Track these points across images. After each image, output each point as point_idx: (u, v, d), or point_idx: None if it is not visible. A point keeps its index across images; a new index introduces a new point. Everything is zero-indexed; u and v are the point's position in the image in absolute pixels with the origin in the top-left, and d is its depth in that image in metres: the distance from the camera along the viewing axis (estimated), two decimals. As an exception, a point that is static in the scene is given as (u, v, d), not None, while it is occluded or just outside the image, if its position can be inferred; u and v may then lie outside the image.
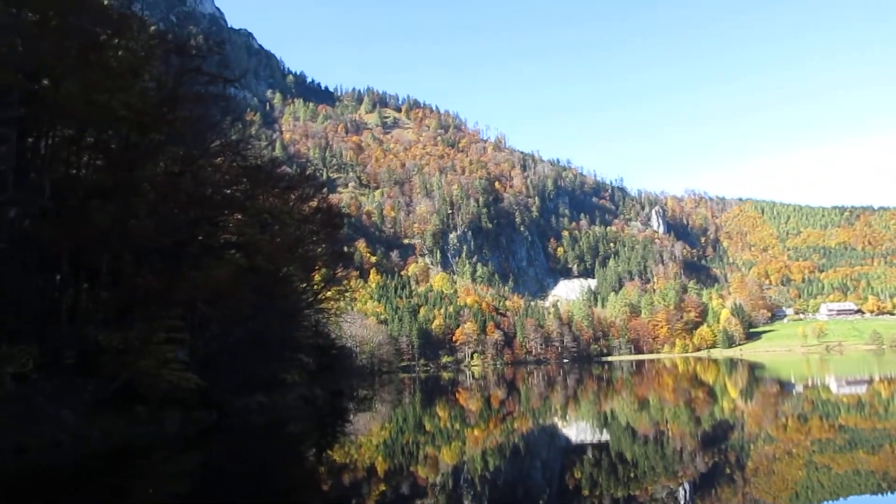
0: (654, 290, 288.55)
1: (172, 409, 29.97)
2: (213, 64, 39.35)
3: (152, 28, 40.63)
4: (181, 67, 35.23)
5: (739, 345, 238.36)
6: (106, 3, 35.53)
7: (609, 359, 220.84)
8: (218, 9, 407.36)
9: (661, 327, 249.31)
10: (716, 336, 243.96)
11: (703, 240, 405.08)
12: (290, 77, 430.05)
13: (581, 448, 23.19)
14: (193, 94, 35.04)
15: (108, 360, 28.12)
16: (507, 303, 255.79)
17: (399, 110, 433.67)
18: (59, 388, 25.63)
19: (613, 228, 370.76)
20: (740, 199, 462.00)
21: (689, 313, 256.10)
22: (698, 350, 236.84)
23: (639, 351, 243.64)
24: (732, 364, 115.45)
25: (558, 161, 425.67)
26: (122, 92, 31.15)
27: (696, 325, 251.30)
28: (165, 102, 32.75)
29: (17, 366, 24.51)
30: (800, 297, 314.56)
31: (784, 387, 52.20)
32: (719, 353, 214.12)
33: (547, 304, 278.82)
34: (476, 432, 29.75)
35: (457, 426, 33.16)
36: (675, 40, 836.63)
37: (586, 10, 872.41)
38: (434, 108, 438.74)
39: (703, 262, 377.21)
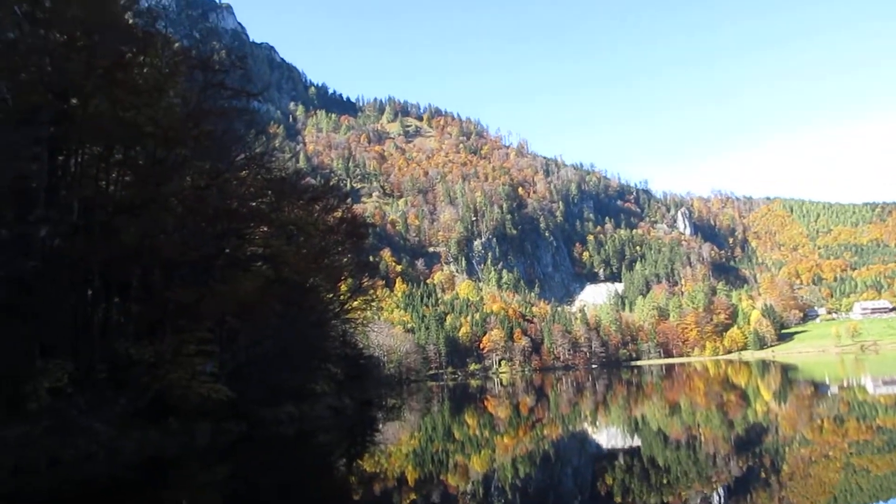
0: (683, 293, 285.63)
1: (203, 420, 30.22)
2: (237, 78, 39.79)
3: (176, 45, 41.18)
4: (205, 83, 35.69)
5: (771, 346, 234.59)
6: (131, 22, 36.16)
7: (638, 363, 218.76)
8: (240, 24, 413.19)
9: (691, 330, 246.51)
10: (747, 338, 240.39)
11: (730, 240, 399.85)
12: (312, 89, 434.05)
13: (612, 454, 22.92)
14: (218, 109, 35.46)
15: (139, 373, 28.49)
16: (534, 309, 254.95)
17: (421, 119, 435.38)
18: (93, 401, 25.98)
19: (639, 231, 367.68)
20: (768, 198, 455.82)
21: (719, 315, 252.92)
22: (729, 353, 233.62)
23: (668, 354, 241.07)
24: (764, 366, 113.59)
25: (581, 165, 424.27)
26: (148, 108, 31.63)
27: (727, 328, 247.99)
28: (190, 118, 33.18)
29: (52, 380, 24.91)
30: (832, 296, 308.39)
31: (818, 388, 51.18)
32: (751, 356, 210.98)
33: (574, 309, 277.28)
34: (506, 440, 29.56)
35: (486, 434, 32.99)
36: (695, 44, 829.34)
37: (606, 14, 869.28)
38: (456, 116, 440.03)
39: (732, 262, 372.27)
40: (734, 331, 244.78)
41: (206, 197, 33.98)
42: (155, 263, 31.85)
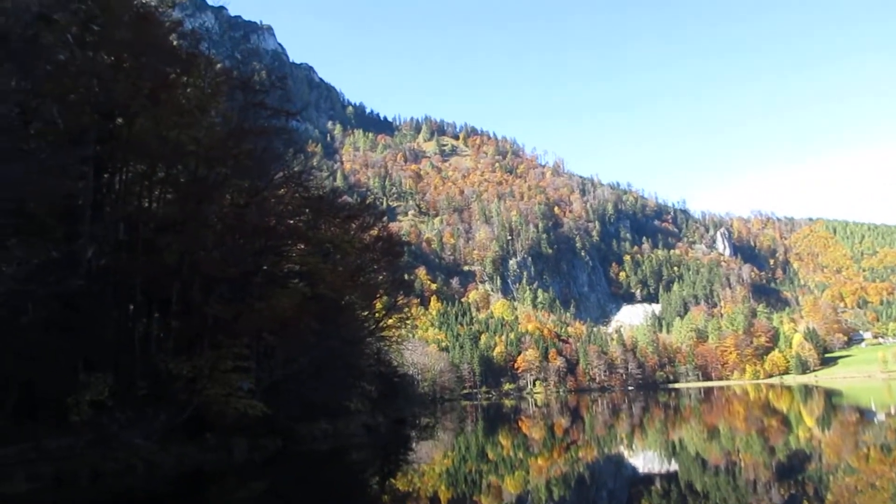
0: (722, 315, 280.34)
1: (240, 436, 30.48)
2: (276, 98, 40.50)
3: (218, 66, 42.15)
4: (246, 102, 36.40)
5: (814, 371, 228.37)
6: (175, 43, 37.13)
7: (676, 386, 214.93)
8: (280, 45, 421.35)
9: (730, 353, 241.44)
10: (788, 362, 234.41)
11: (771, 262, 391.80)
12: (350, 108, 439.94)
13: (648, 478, 22.48)
14: (257, 128, 36.10)
15: (178, 388, 28.90)
16: (569, 329, 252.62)
17: (457, 138, 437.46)
18: (133, 416, 26.40)
19: (677, 252, 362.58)
20: (810, 219, 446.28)
21: (760, 338, 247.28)
22: (770, 377, 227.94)
23: (707, 378, 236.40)
24: (807, 391, 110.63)
25: (618, 184, 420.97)
26: (190, 128, 32.41)
27: (767, 351, 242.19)
28: (231, 136, 33.83)
29: (94, 393, 25.43)
30: (878, 320, 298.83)
31: (864, 415, 49.64)
32: (793, 380, 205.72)
33: (610, 329, 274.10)
34: (540, 461, 29.22)
35: (520, 455, 32.66)
36: (732, 62, 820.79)
37: (643, 32, 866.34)
38: (491, 135, 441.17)
39: (773, 284, 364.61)
40: (775, 354, 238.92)
41: (245, 214, 34.52)
42: (194, 279, 32.38)
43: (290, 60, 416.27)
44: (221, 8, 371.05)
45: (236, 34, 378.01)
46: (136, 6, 32.52)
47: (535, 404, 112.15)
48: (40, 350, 23.07)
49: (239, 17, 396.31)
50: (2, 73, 22.55)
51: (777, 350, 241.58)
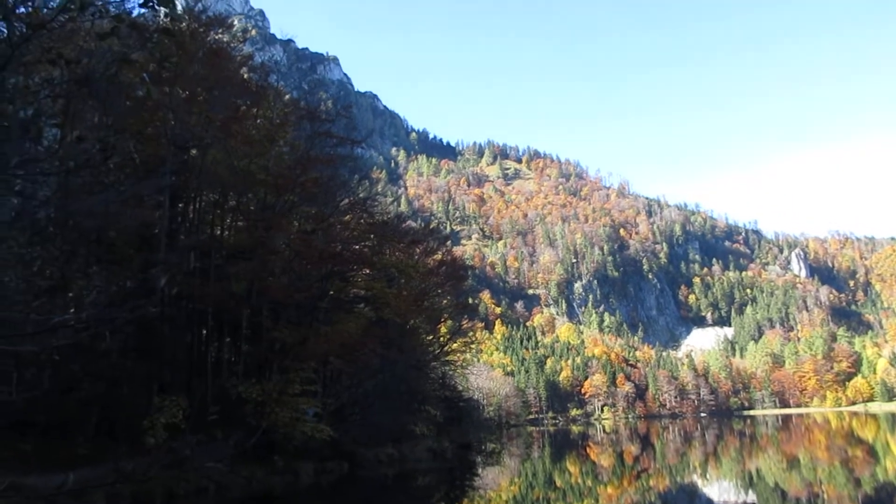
0: (799, 339, 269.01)
1: (306, 460, 30.82)
2: (342, 127, 41.43)
3: (286, 97, 43.47)
4: (313, 132, 37.36)
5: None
6: (246, 76, 38.50)
7: (751, 413, 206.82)
8: (345, 74, 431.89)
9: (809, 379, 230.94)
10: (873, 388, 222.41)
11: (851, 283, 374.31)
12: (414, 134, 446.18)
13: (725, 509, 21.62)
14: (324, 156, 36.95)
15: (248, 412, 29.49)
16: (638, 353, 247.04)
17: (520, 161, 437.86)
18: (204, 438, 27.04)
19: (749, 273, 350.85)
20: (893, 238, 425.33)
21: (841, 363, 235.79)
22: (853, 404, 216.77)
23: (784, 404, 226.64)
24: (894, 420, 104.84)
25: (686, 205, 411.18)
26: (260, 157, 33.46)
27: (850, 377, 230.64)
28: (298, 165, 34.72)
29: (168, 416, 26.19)
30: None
31: (959, 445, 46.64)
32: (878, 408, 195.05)
33: (680, 354, 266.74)
34: (609, 489, 28.49)
35: (589, 482, 31.93)
36: (794, 87, 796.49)
37: (708, 56, 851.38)
38: (554, 158, 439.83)
39: (853, 307, 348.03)
40: (858, 380, 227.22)
41: (311, 241, 35.21)
42: (263, 305, 33.14)
43: (355, 89, 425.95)
44: (289, 41, 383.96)
45: (304, 65, 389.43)
46: (208, 42, 33.89)
47: (604, 430, 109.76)
48: (118, 374, 23.97)
49: (306, 48, 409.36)
50: (86, 109, 23.77)
51: (860, 376, 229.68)
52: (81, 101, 21.17)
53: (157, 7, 4.01)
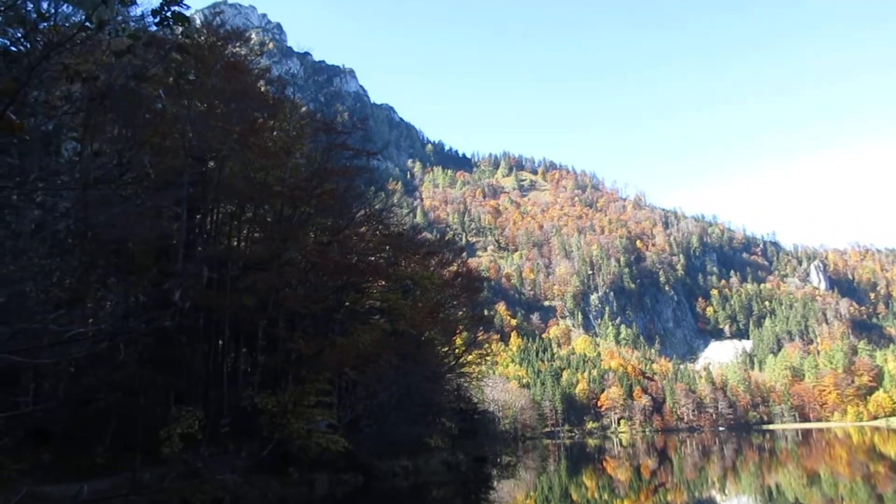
0: (819, 352, 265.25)
1: (321, 471, 30.82)
2: (358, 139, 41.71)
3: (303, 109, 43.77)
4: (328, 144, 37.62)
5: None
6: (263, 89, 38.87)
7: (770, 427, 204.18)
8: (361, 87, 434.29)
9: (829, 393, 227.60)
10: (895, 403, 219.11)
11: (872, 296, 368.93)
12: (429, 146, 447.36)
13: (743, 525, 21.33)
14: (339, 168, 37.18)
15: (263, 423, 29.57)
16: (654, 366, 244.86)
17: (535, 173, 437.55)
18: (220, 449, 27.13)
19: (768, 286, 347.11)
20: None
21: (862, 377, 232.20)
22: (875, 419, 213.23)
23: (804, 419, 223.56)
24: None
25: (703, 217, 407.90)
26: (276, 169, 33.73)
27: (871, 391, 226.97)
28: (314, 177, 34.96)
29: (184, 427, 26.34)
30: None
31: (984, 461, 45.75)
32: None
33: (698, 367, 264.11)
34: (626, 504, 28.22)
35: (605, 496, 31.66)
36: (810, 96, 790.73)
37: (722, 64, 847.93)
38: (570, 169, 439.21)
39: (875, 320, 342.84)
40: (880, 395, 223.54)
41: (327, 252, 35.39)
42: (279, 316, 33.29)
43: (371, 101, 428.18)
44: (306, 54, 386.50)
45: (320, 78, 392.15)
46: (226, 56, 34.29)
47: (620, 444, 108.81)
48: (136, 384, 24.14)
49: (323, 61, 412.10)
50: (106, 122, 24.12)
51: (882, 390, 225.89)
52: (101, 114, 21.47)
53: (172, 26, 4.06)
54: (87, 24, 4.00)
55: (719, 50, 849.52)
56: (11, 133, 4.32)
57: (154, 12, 3.95)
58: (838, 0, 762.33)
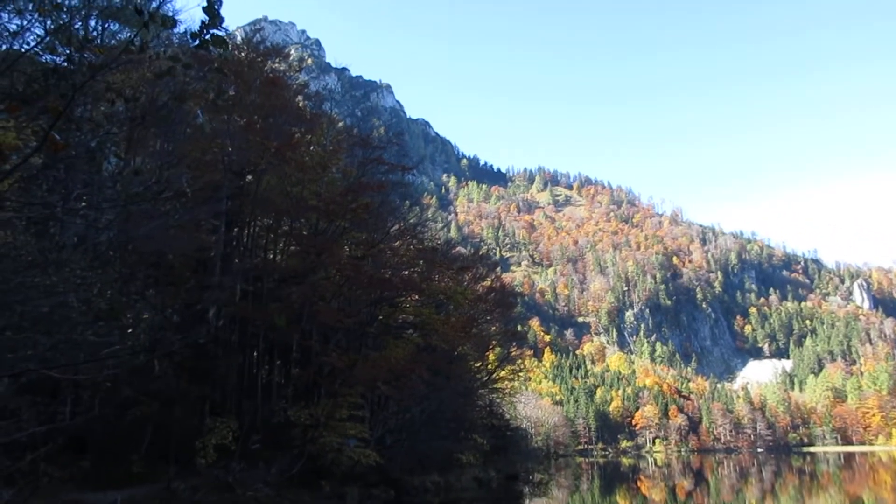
0: (862, 373, 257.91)
1: (352, 485, 30.79)
2: (393, 153, 42.01)
3: (339, 124, 44.27)
4: (364, 158, 37.95)
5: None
6: (301, 104, 39.41)
7: (811, 449, 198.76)
8: (398, 102, 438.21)
9: (874, 415, 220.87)
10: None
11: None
12: (464, 161, 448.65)
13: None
14: (375, 183, 37.42)
15: (296, 435, 29.71)
16: (691, 385, 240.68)
17: (570, 188, 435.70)
18: (253, 461, 27.32)
19: (809, 304, 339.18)
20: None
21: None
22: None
23: (847, 441, 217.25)
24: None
25: (741, 233, 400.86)
26: (312, 183, 34.10)
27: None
28: (350, 191, 35.22)
29: (219, 438, 26.60)
30: None
31: None
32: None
33: (735, 386, 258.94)
34: (660, 526, 27.67)
35: (639, 518, 31.08)
36: (854, 111, 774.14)
37: (760, 70, 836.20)
38: (606, 185, 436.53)
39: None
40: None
41: (361, 266, 35.55)
42: (313, 328, 33.50)
43: (407, 116, 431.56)
44: (344, 69, 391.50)
45: (357, 93, 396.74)
46: (266, 72, 34.86)
47: (655, 464, 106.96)
48: (172, 395, 24.45)
49: (360, 77, 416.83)
50: (148, 136, 24.66)
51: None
52: (143, 130, 21.97)
53: (210, 50, 4.12)
54: (132, 45, 4.08)
55: (760, 70, 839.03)
56: (55, 152, 4.43)
57: (193, 35, 4.02)
58: (886, 24, 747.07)
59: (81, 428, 19.23)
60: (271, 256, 36.42)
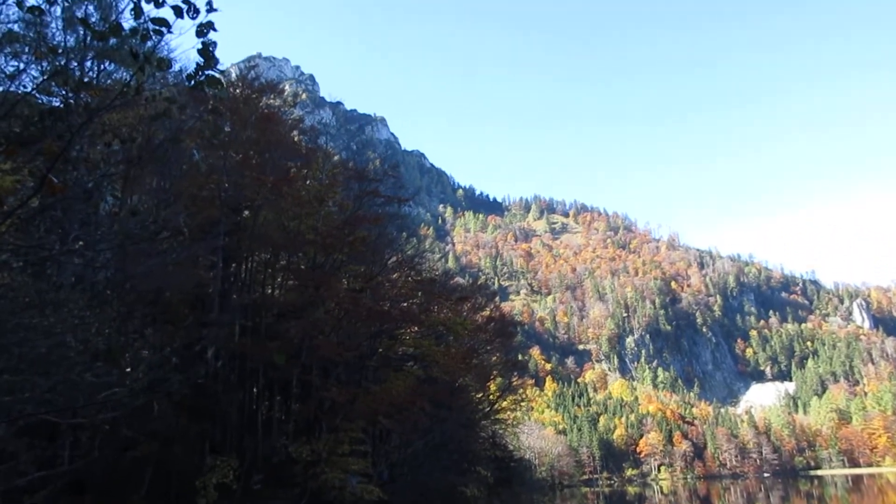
0: (866, 394, 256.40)
1: (356, 521, 30.37)
2: (389, 185, 42.13)
3: (335, 158, 44.49)
4: (360, 191, 38.08)
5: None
6: (296, 139, 39.67)
7: (818, 473, 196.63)
8: (393, 134, 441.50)
9: (880, 436, 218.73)
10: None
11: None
12: (460, 191, 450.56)
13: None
14: (371, 215, 37.52)
15: (297, 472, 29.35)
16: (694, 410, 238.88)
17: (567, 215, 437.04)
18: (255, 500, 26.95)
19: (809, 325, 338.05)
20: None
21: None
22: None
23: (853, 464, 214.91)
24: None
25: (739, 256, 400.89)
26: (309, 218, 34.16)
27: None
28: (347, 224, 35.29)
29: (220, 476, 26.23)
30: None
31: None
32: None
33: (739, 410, 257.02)
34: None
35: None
36: (854, 121, 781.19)
37: (753, 101, 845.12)
38: (602, 211, 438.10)
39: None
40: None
41: (360, 299, 35.47)
42: (313, 363, 33.29)
43: (402, 148, 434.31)
44: (338, 103, 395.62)
45: (352, 127, 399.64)
46: (261, 108, 35.15)
47: (661, 492, 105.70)
48: (172, 433, 24.19)
49: (354, 110, 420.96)
50: (144, 174, 24.74)
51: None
52: (139, 169, 22.07)
53: (206, 90, 4.16)
54: (127, 87, 4.13)
55: (753, 90, 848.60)
56: (53, 194, 4.44)
57: (189, 77, 4.06)
58: (874, 35, 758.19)
59: (82, 468, 18.98)
60: (269, 291, 36.32)
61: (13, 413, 8.62)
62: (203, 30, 4.25)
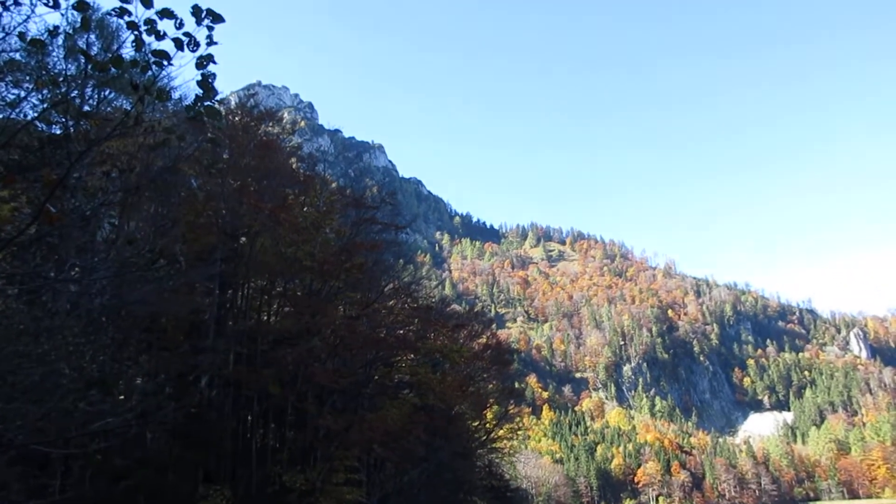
0: (864, 424, 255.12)
1: (350, 552, 29.97)
2: (386, 212, 42.28)
3: (333, 185, 44.66)
4: (358, 218, 38.18)
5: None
6: (294, 166, 39.85)
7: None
8: (390, 162, 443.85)
9: (879, 467, 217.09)
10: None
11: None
12: (457, 218, 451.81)
13: None
14: (368, 242, 37.56)
15: (291, 500, 28.99)
16: (692, 440, 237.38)
17: (563, 243, 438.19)
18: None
19: (807, 355, 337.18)
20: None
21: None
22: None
23: (853, 495, 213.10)
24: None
25: (735, 285, 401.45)
26: (306, 244, 34.17)
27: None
28: (344, 251, 35.30)
29: (212, 506, 25.88)
30: None
31: None
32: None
33: (737, 440, 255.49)
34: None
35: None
36: (839, 162, 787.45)
37: (746, 129, 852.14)
38: (598, 239, 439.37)
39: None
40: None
41: (356, 326, 35.34)
42: (308, 390, 33.07)
43: (400, 175, 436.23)
44: (336, 131, 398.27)
45: (350, 154, 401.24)
46: (260, 135, 35.33)
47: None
48: (164, 462, 23.94)
49: (352, 138, 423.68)
50: (142, 201, 24.78)
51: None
52: (137, 196, 22.11)
53: (205, 120, 4.21)
54: (127, 117, 4.17)
55: (748, 117, 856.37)
56: (50, 223, 4.46)
57: (188, 108, 4.11)
58: (873, 62, 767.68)
59: (72, 500, 18.73)
60: (265, 318, 36.17)
61: (4, 442, 8.54)
62: (203, 62, 4.31)
